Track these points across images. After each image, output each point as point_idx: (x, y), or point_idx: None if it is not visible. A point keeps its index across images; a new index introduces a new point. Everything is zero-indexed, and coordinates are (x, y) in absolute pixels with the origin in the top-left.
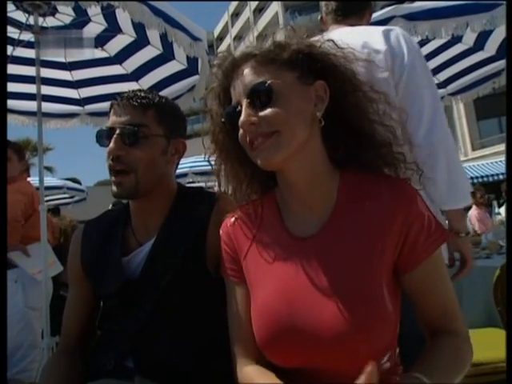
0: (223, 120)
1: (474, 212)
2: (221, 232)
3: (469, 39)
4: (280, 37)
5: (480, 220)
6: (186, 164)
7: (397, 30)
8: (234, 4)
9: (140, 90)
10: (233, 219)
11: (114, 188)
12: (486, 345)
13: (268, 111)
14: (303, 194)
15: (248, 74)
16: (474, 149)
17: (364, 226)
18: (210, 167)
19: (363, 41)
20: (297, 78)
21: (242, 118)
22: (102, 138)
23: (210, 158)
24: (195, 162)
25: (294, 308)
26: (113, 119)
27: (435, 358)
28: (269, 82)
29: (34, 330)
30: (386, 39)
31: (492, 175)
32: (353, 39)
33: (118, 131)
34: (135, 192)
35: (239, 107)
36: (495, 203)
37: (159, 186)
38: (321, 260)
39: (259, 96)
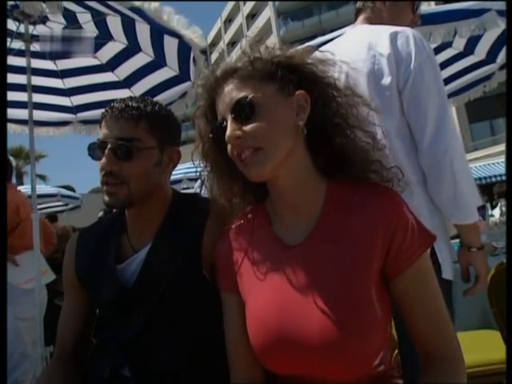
0: (211, 136)
1: None
2: (217, 246)
3: (459, 44)
4: (263, 48)
5: None
6: (180, 170)
7: (407, 32)
8: (227, 10)
9: (132, 99)
10: (227, 233)
11: (107, 198)
12: (481, 347)
13: (251, 126)
14: (291, 200)
15: (230, 90)
16: (466, 151)
17: (349, 233)
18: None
19: (369, 42)
20: (277, 90)
21: (227, 132)
22: (94, 151)
23: (202, 174)
24: (189, 169)
25: (283, 317)
26: (104, 132)
27: None
28: (250, 96)
29: (23, 340)
30: (391, 42)
31: (485, 178)
32: (360, 39)
33: (109, 146)
34: (128, 203)
35: (225, 123)
36: (488, 205)
37: (154, 195)
38: (308, 268)
39: (242, 110)
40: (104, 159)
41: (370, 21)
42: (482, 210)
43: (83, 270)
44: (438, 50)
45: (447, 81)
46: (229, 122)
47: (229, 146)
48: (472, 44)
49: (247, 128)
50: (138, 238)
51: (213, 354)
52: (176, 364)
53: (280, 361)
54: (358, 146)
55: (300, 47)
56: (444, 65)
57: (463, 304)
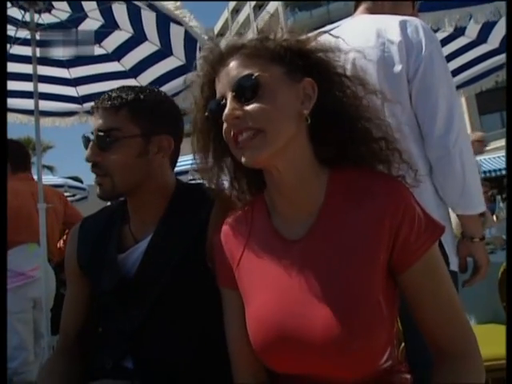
0: (207, 114)
1: None
2: (214, 240)
3: (472, 32)
4: (273, 30)
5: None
6: (186, 162)
7: (415, 21)
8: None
9: (118, 89)
10: (225, 226)
11: (97, 189)
12: (490, 341)
13: (254, 106)
14: (290, 193)
15: (234, 66)
16: None
17: (353, 227)
18: None
19: (378, 28)
20: (284, 74)
21: (226, 111)
22: (84, 143)
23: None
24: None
25: (285, 315)
26: (93, 124)
27: None
28: (256, 74)
29: (18, 332)
30: (402, 30)
31: (494, 170)
32: (367, 27)
33: (92, 137)
34: (113, 194)
35: (224, 100)
36: (499, 198)
37: (144, 185)
38: (310, 264)
39: (245, 89)
40: (88, 150)
41: (371, 11)
42: (491, 203)
43: (85, 259)
44: (450, 39)
45: (459, 70)
46: (229, 99)
47: (225, 125)
48: (485, 32)
49: (248, 108)
50: (140, 228)
51: (215, 346)
52: (178, 356)
53: (281, 360)
54: (368, 139)
55: (311, 34)
56: (456, 54)
57: (473, 298)
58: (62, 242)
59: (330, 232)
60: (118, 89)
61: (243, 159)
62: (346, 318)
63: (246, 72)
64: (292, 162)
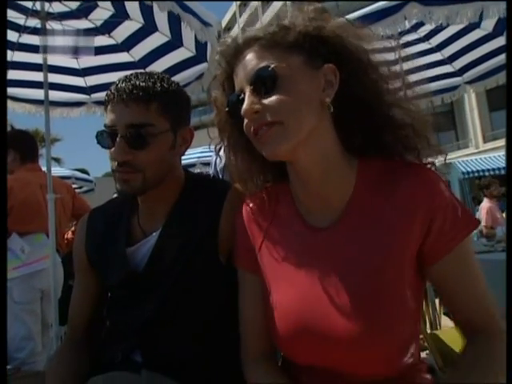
0: (227, 109)
1: (485, 204)
2: (236, 221)
3: (488, 24)
4: (292, 15)
5: (489, 213)
6: (194, 154)
7: None
8: None
9: (137, 77)
10: (247, 209)
11: (119, 185)
12: None
13: (273, 98)
14: (316, 186)
15: (251, 58)
16: (485, 141)
17: (384, 217)
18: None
19: None
20: (303, 62)
21: (244, 106)
22: (103, 138)
23: (219, 151)
24: (203, 153)
25: (310, 307)
26: (112, 118)
27: (470, 366)
28: (273, 66)
29: (25, 323)
30: None
31: (504, 168)
32: None
33: (120, 134)
34: (142, 190)
35: (242, 95)
36: None
37: (167, 178)
38: (336, 254)
39: (263, 82)
40: (116, 148)
41: None
42: (500, 200)
43: (93, 251)
44: (464, 32)
45: (473, 64)
46: (247, 94)
47: (245, 121)
48: (502, 24)
49: (267, 101)
50: (149, 222)
51: (224, 339)
52: (187, 349)
53: (303, 351)
54: (394, 125)
55: (334, 20)
56: (470, 47)
57: None
58: (70, 233)
59: (358, 223)
60: (136, 77)
61: (264, 153)
62: (371, 312)
63: (263, 64)
64: (317, 154)
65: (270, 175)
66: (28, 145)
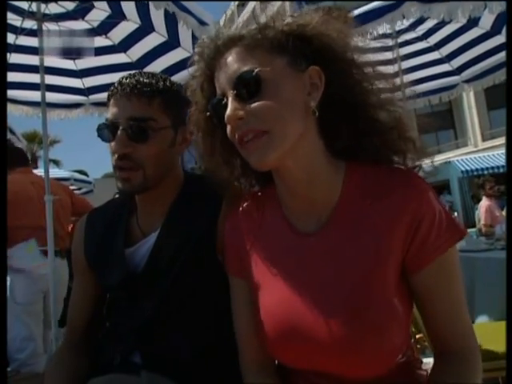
0: (208, 114)
1: (484, 203)
2: (225, 227)
3: (486, 23)
4: (273, 14)
5: (488, 211)
6: None
7: None
8: None
9: (141, 74)
10: (234, 215)
11: (121, 184)
12: (503, 338)
13: (257, 105)
14: (303, 191)
15: (233, 61)
16: (483, 139)
17: (370, 222)
18: None
19: None
20: (287, 64)
21: (228, 112)
22: (104, 132)
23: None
24: None
25: (298, 311)
26: (114, 112)
27: None
28: (256, 70)
29: (26, 323)
30: None
31: (503, 166)
32: None
33: (122, 127)
34: (143, 188)
35: (225, 99)
36: None
37: (166, 177)
38: (323, 259)
39: (246, 87)
40: (116, 141)
41: None
42: (499, 199)
43: (92, 252)
44: (462, 31)
45: (471, 63)
46: (230, 99)
47: (228, 127)
48: (500, 22)
49: (251, 107)
50: (148, 222)
51: (224, 340)
52: (187, 350)
53: (292, 355)
54: (380, 128)
55: (316, 15)
56: (468, 46)
57: (485, 295)
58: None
59: (345, 228)
60: (140, 75)
61: (251, 163)
62: (358, 316)
63: (246, 67)
64: (302, 160)
65: (253, 179)
66: (13, 155)
